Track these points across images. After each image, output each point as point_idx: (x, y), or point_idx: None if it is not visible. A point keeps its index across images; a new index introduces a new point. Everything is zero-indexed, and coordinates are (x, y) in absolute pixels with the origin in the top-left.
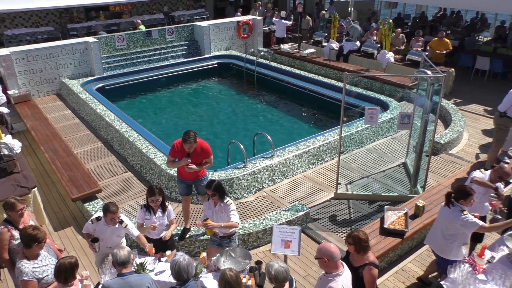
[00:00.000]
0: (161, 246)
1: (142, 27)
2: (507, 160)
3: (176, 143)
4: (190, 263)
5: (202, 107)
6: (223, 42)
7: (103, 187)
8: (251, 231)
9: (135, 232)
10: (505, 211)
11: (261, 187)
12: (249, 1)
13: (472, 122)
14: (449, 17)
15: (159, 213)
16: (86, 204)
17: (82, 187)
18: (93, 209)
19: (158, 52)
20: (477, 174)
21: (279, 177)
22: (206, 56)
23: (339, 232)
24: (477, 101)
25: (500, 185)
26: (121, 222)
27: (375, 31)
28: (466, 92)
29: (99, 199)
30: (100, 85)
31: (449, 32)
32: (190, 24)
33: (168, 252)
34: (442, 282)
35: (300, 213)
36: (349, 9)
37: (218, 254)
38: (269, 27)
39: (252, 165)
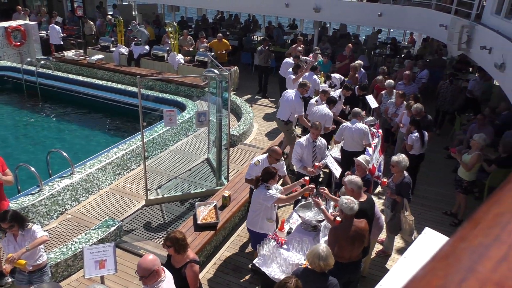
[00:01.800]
0: None
1: None
2: None
3: None
4: None
5: None
6: None
7: None
8: (58, 260)
9: None
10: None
11: (64, 210)
12: (14, 4)
13: (258, 113)
14: (228, 19)
15: None
16: None
17: None
18: None
19: None
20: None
21: (84, 195)
22: None
23: (156, 238)
24: (260, 93)
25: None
26: None
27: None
28: (250, 87)
29: None
30: None
31: (228, 33)
32: None
33: None
34: (254, 262)
35: (112, 228)
36: (133, 12)
37: None
38: (47, 33)
39: (49, 187)
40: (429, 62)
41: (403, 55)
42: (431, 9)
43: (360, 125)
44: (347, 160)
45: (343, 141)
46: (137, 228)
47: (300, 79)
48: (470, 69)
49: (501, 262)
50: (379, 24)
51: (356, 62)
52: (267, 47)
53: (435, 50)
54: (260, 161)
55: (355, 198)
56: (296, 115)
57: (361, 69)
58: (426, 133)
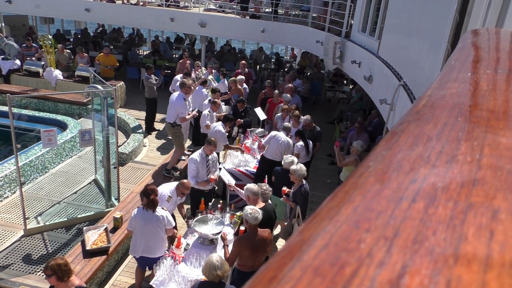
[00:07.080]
0: None
1: None
2: (184, 158)
3: None
4: None
5: None
6: None
7: None
8: None
9: None
10: None
11: None
12: None
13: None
14: (111, 33)
15: None
16: None
17: None
18: None
19: None
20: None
21: None
22: None
23: (39, 271)
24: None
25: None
26: None
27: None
28: (139, 102)
29: None
30: None
31: (112, 47)
32: None
33: None
34: (151, 283)
35: None
36: (0, 24)
37: None
38: None
39: None
40: (309, 76)
41: (286, 69)
42: (308, 26)
43: (288, 138)
44: (266, 168)
45: (266, 148)
46: (15, 262)
47: (181, 79)
48: (345, 81)
49: (322, 250)
50: (262, 40)
51: (238, 77)
52: (152, 76)
53: (314, 64)
54: (171, 196)
55: (251, 205)
56: (178, 115)
57: (243, 83)
58: (310, 142)
